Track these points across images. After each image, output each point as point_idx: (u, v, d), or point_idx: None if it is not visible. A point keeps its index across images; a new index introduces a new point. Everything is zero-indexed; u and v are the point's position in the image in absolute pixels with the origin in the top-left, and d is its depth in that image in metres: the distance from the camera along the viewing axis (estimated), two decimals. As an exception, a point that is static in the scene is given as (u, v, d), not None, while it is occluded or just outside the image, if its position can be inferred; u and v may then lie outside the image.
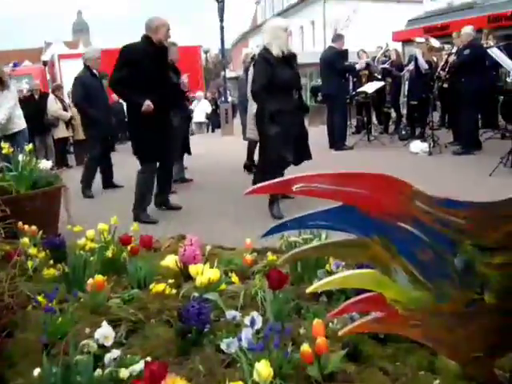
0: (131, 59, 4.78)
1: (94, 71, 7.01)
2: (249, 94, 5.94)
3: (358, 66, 10.09)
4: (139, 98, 4.76)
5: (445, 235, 1.51)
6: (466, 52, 7.86)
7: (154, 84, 4.82)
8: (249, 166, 7.33)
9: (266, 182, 1.29)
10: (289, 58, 4.98)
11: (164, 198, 5.47)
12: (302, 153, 5.09)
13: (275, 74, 4.81)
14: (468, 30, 8.11)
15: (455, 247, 1.54)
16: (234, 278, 2.51)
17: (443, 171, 6.86)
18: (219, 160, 8.83)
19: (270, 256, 2.75)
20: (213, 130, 19.66)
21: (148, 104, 4.70)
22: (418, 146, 8.58)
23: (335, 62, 9.12)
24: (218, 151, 10.04)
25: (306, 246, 1.47)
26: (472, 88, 7.64)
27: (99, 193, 6.90)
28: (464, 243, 1.54)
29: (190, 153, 7.26)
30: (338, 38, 9.63)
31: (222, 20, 16.67)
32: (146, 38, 4.88)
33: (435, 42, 10.17)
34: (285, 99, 4.86)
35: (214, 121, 19.81)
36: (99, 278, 2.29)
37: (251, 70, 6.03)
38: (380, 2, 27.98)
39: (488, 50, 7.34)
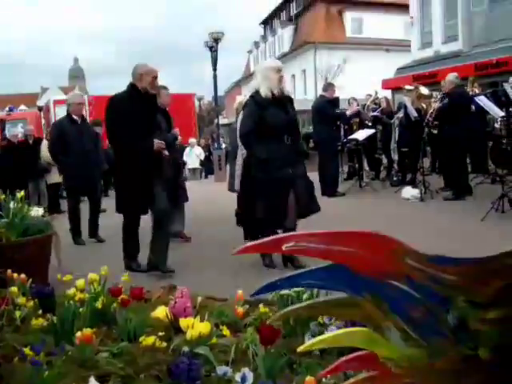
0: (119, 111, 4.64)
1: (75, 117, 6.73)
2: (238, 141, 5.67)
3: (348, 112, 10.30)
4: (138, 143, 4.60)
5: (437, 292, 1.50)
6: (445, 101, 8.05)
7: (142, 134, 4.61)
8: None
9: (256, 242, 1.28)
10: (282, 101, 4.69)
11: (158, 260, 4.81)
12: (308, 204, 4.71)
13: (264, 116, 4.54)
14: (451, 77, 8.30)
15: (447, 303, 1.53)
16: (226, 330, 2.47)
17: (435, 217, 6.90)
18: (212, 207, 8.81)
19: (262, 308, 2.72)
20: (206, 177, 19.82)
21: (158, 143, 4.64)
22: (409, 192, 8.65)
23: (326, 110, 9.34)
24: (211, 199, 10.04)
25: (297, 305, 1.44)
26: (454, 135, 7.79)
27: (91, 239, 6.84)
28: (456, 299, 1.54)
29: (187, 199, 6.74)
30: (328, 86, 9.88)
31: (215, 69, 17.08)
32: (132, 87, 4.71)
33: (424, 90, 10.40)
34: (275, 145, 4.55)
35: (208, 167, 20.00)
36: (88, 331, 2.25)
37: (240, 115, 5.68)
38: (369, 50, 28.78)
39: (475, 98, 7.52)
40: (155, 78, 4.72)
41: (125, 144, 4.60)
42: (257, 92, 4.69)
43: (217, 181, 15.49)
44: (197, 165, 18.47)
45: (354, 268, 1.41)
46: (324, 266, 1.42)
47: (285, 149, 4.62)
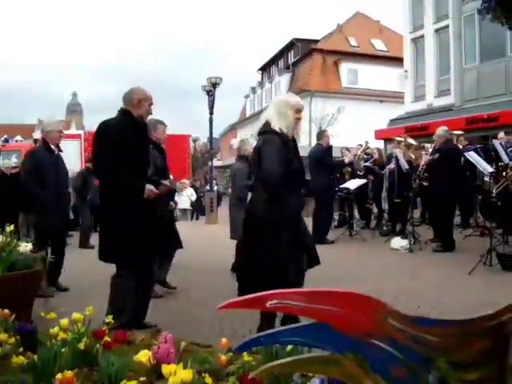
0: (111, 139, 3.93)
1: (52, 146, 5.97)
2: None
3: (346, 160, 10.45)
4: (135, 182, 3.98)
5: (418, 352, 1.53)
6: (436, 156, 8.18)
7: (135, 167, 4.03)
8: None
9: (240, 298, 1.31)
10: (295, 145, 4.01)
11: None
12: (314, 258, 4.17)
13: (290, 159, 3.81)
14: (441, 131, 8.45)
15: (429, 364, 1.56)
16: (208, 378, 2.44)
17: (423, 269, 6.92)
18: (202, 252, 8.65)
19: (246, 357, 2.70)
20: (197, 218, 19.82)
21: (150, 189, 3.96)
22: (398, 242, 8.69)
23: (324, 158, 9.47)
24: (201, 242, 9.96)
25: (280, 361, 1.47)
26: (443, 189, 7.89)
27: (79, 277, 6.76)
28: (437, 360, 1.56)
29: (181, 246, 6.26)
30: (322, 134, 10.07)
31: (211, 112, 17.30)
32: (125, 113, 4.07)
33: (412, 141, 10.62)
34: (297, 194, 3.89)
35: (199, 208, 20.05)
36: (68, 373, 2.22)
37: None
38: (364, 101, 29.34)
39: (465, 154, 7.65)
40: (152, 104, 4.20)
41: (116, 180, 3.94)
42: (269, 127, 3.87)
43: (208, 223, 15.49)
44: (187, 205, 18.47)
45: (337, 327, 1.43)
46: (307, 323, 1.45)
47: (302, 200, 4.13)
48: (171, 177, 6.20)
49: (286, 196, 3.75)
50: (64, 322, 3.04)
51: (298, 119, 3.91)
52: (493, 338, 1.61)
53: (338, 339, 1.41)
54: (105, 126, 4.04)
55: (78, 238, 10.35)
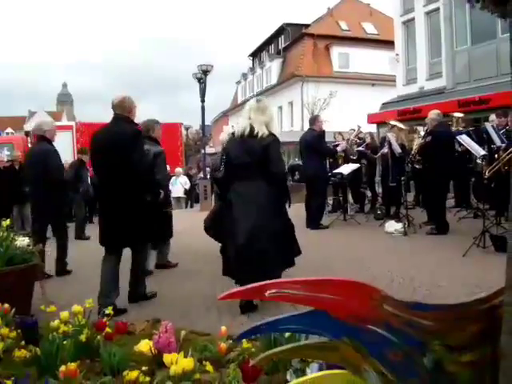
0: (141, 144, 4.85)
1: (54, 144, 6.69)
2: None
3: (339, 149, 10.45)
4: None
5: (413, 336, 1.57)
6: (429, 139, 8.20)
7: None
8: None
9: (240, 288, 1.35)
10: None
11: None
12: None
13: None
14: (433, 115, 8.45)
15: (424, 347, 1.60)
16: (209, 366, 2.50)
17: (417, 252, 6.97)
18: (197, 240, 8.59)
19: (245, 344, 2.75)
20: (191, 206, 19.82)
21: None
22: (392, 225, 8.73)
23: (317, 144, 9.44)
24: (196, 229, 9.93)
25: (279, 348, 1.51)
26: (436, 172, 7.93)
27: (76, 268, 6.78)
28: (432, 343, 1.60)
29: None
30: (315, 119, 10.02)
31: (203, 100, 17.21)
32: (129, 121, 4.76)
33: (402, 126, 10.65)
34: None
35: (193, 196, 20.05)
36: (72, 365, 2.27)
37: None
38: (355, 85, 29.31)
39: (457, 137, 7.68)
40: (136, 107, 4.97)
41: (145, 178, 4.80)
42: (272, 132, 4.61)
43: (202, 210, 15.49)
44: (181, 194, 18.47)
45: (334, 314, 1.48)
46: (305, 311, 1.49)
47: None
48: (168, 167, 6.63)
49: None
50: (64, 314, 3.09)
51: None
52: (485, 321, 1.66)
53: (335, 326, 1.45)
54: (135, 133, 4.73)
55: (73, 229, 10.35)
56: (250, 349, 2.76)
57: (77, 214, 10.69)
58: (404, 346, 1.54)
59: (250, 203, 4.45)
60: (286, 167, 22.67)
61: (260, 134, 4.46)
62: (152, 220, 4.90)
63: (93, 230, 10.66)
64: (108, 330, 2.83)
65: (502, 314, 1.62)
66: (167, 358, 2.34)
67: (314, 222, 9.54)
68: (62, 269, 6.50)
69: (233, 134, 4.79)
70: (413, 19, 19.69)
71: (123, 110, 4.71)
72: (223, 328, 2.94)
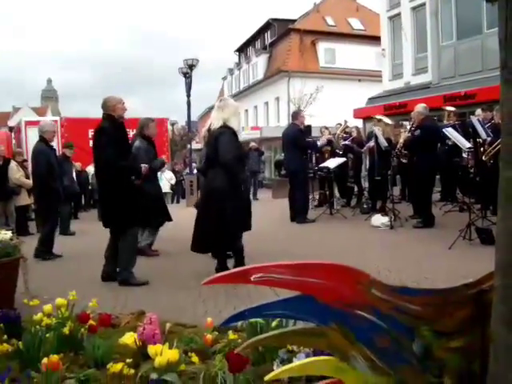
0: (116, 137, 5.24)
1: (51, 144, 7.46)
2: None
3: (319, 143, 10.46)
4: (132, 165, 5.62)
5: (402, 321, 1.55)
6: (417, 132, 8.22)
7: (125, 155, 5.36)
8: None
9: (224, 272, 1.32)
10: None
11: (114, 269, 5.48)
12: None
13: (239, 147, 5.35)
14: (420, 108, 8.47)
15: (412, 333, 1.58)
16: (194, 357, 2.46)
17: (404, 245, 6.99)
18: (183, 234, 8.47)
19: (231, 335, 2.72)
20: (177, 201, 19.74)
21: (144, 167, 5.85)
22: (379, 219, 8.75)
23: (297, 138, 9.46)
24: (182, 224, 9.85)
25: (265, 335, 1.48)
26: (423, 166, 7.95)
27: (60, 263, 6.71)
28: (421, 329, 1.58)
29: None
30: (297, 114, 10.05)
31: (189, 95, 17.09)
32: (110, 117, 5.28)
33: (387, 120, 10.66)
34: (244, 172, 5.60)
35: (179, 191, 19.97)
36: (54, 357, 2.22)
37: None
38: (342, 80, 29.35)
39: (443, 130, 7.70)
40: (124, 103, 5.41)
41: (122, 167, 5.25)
42: (226, 125, 5.24)
43: (189, 205, 15.42)
44: (167, 189, 18.37)
45: (322, 299, 1.45)
46: (291, 296, 1.46)
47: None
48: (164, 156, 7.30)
49: (240, 171, 5.40)
50: (47, 307, 3.03)
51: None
52: (474, 306, 1.64)
53: (322, 311, 1.42)
54: (105, 127, 5.29)
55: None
56: (237, 340, 2.73)
57: (61, 210, 10.54)
58: (392, 331, 1.52)
59: (207, 188, 5.50)
60: (273, 162, 22.71)
61: (212, 128, 5.22)
62: (135, 206, 5.31)
63: (78, 225, 10.58)
64: (91, 322, 2.78)
65: (491, 299, 1.61)
66: (152, 349, 2.30)
67: (299, 215, 9.53)
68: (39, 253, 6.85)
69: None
70: (399, 14, 19.73)
71: (106, 109, 5.28)
72: (209, 319, 2.91)
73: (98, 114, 5.59)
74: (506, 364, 1.48)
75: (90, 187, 14.47)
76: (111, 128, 5.26)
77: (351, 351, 1.48)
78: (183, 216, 11.59)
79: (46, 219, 7.23)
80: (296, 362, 1.53)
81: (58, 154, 13.33)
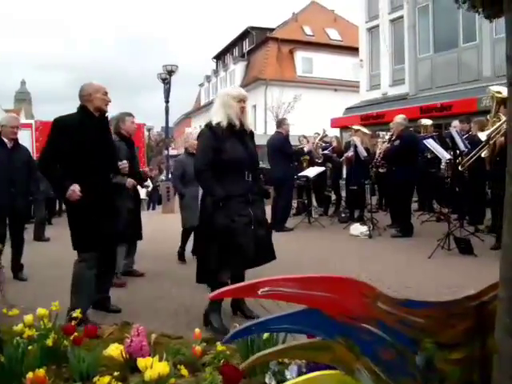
0: (65, 132, 4.04)
1: (5, 140, 6.14)
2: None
3: (306, 149, 10.51)
4: (64, 180, 4.03)
5: (406, 334, 1.54)
6: (397, 143, 8.31)
7: (94, 160, 4.10)
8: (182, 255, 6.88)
9: (232, 286, 1.28)
10: (241, 133, 4.18)
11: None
12: (266, 254, 4.20)
13: (221, 149, 4.00)
14: (399, 119, 8.57)
15: (416, 345, 1.57)
16: (184, 370, 2.40)
17: (384, 254, 7.02)
18: (160, 242, 8.34)
19: (219, 346, 2.67)
20: (153, 208, 19.55)
21: (73, 190, 3.92)
22: (357, 228, 8.78)
23: (284, 147, 9.45)
24: (159, 231, 9.75)
25: (270, 350, 1.44)
26: (403, 176, 8.04)
27: (36, 270, 6.53)
28: (424, 341, 1.58)
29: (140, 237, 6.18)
30: (282, 122, 10.02)
31: (167, 101, 16.98)
32: (82, 108, 4.19)
33: (365, 130, 10.77)
34: (235, 183, 4.02)
35: (155, 198, 19.80)
36: (40, 372, 2.13)
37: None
38: (319, 89, 29.57)
39: (424, 141, 7.79)
40: (106, 93, 4.26)
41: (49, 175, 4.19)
42: (210, 121, 4.16)
43: (164, 212, 15.29)
44: (143, 195, 18.18)
45: (328, 312, 1.42)
46: (298, 310, 1.43)
47: (246, 186, 4.09)
48: (146, 169, 6.24)
49: (212, 186, 4.01)
50: (28, 318, 2.93)
51: (243, 108, 4.18)
52: (475, 318, 1.63)
53: (328, 324, 1.40)
54: (57, 120, 4.16)
55: (32, 230, 10.02)
56: (225, 351, 2.68)
57: (36, 215, 10.34)
58: (396, 344, 1.50)
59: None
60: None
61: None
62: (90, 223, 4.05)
63: (52, 231, 10.36)
64: (76, 334, 2.69)
65: (492, 311, 1.61)
66: (141, 362, 2.24)
67: (278, 223, 9.52)
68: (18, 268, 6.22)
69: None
70: (377, 26, 20.01)
71: (81, 100, 4.21)
72: (197, 330, 2.85)
73: None
74: (510, 374, 1.48)
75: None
76: (80, 121, 4.12)
77: (356, 364, 1.46)
78: (160, 224, 11.51)
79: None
80: (302, 377, 1.49)
81: (33, 157, 13.23)
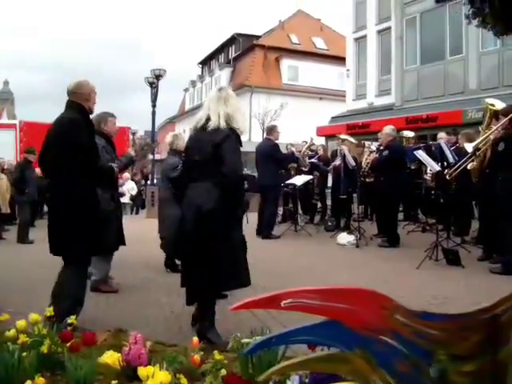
0: (83, 132, 3.94)
1: None
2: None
3: (296, 154, 10.53)
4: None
5: (421, 346, 1.54)
6: (385, 153, 8.37)
7: (92, 161, 4.03)
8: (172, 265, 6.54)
9: (254, 297, 1.26)
10: None
11: None
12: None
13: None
14: (388, 130, 8.64)
15: (430, 357, 1.58)
16: (183, 379, 2.36)
17: (372, 264, 7.04)
18: (144, 248, 8.00)
19: (217, 355, 2.64)
20: (137, 212, 19.44)
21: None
22: (345, 237, 8.81)
23: (274, 153, 9.45)
24: (143, 237, 9.60)
25: (289, 361, 1.43)
26: (390, 186, 8.10)
27: (21, 273, 6.40)
28: (438, 353, 1.58)
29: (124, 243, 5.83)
30: (272, 129, 10.01)
31: (154, 105, 16.91)
32: (81, 108, 4.04)
33: (352, 139, 10.85)
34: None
35: (138, 202, 19.69)
36: (40, 380, 2.08)
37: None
38: (304, 98, 29.71)
39: (414, 152, 7.85)
40: (96, 94, 4.21)
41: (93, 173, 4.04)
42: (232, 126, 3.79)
43: (148, 217, 15.20)
44: (127, 200, 18.05)
45: (348, 324, 1.41)
46: (318, 322, 1.42)
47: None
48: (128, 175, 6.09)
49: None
50: (21, 323, 2.86)
51: None
52: (487, 330, 1.64)
53: (348, 336, 1.39)
54: (68, 122, 3.96)
55: (15, 232, 9.88)
56: (223, 360, 2.64)
57: (20, 217, 10.19)
58: (412, 356, 1.50)
59: (189, 209, 3.77)
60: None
61: (212, 127, 3.69)
62: (89, 231, 3.91)
63: (35, 233, 10.20)
64: (74, 340, 2.63)
65: (504, 324, 1.61)
66: (142, 371, 2.19)
67: (264, 230, 9.52)
68: None
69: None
70: (364, 36, 20.20)
71: (76, 97, 4.04)
72: (195, 339, 2.81)
73: (54, 117, 4.13)
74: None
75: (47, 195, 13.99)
76: (85, 122, 4.03)
77: (372, 376, 1.45)
78: (144, 228, 11.38)
79: None
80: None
81: (17, 159, 13.05)
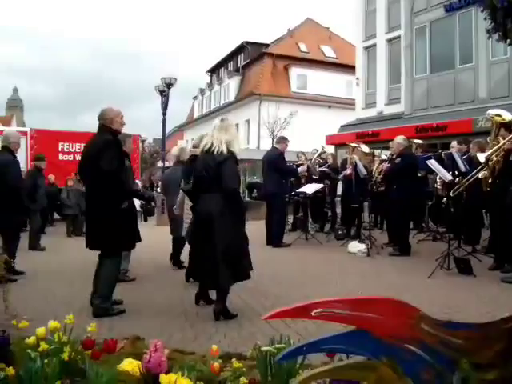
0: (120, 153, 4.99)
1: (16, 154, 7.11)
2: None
3: (300, 170, 10.54)
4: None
5: (445, 355, 1.57)
6: (398, 161, 8.38)
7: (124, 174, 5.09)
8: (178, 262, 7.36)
9: (286, 308, 1.30)
10: None
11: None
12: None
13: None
14: (400, 139, 8.66)
15: (453, 366, 1.60)
16: (203, 387, 2.38)
17: (384, 273, 7.02)
18: (157, 257, 8.31)
19: (236, 363, 2.66)
20: (145, 220, 19.47)
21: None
22: (356, 246, 8.80)
23: (278, 163, 9.52)
24: (154, 244, 9.73)
25: (320, 369, 1.46)
26: (403, 195, 8.11)
27: (33, 280, 6.47)
28: (461, 361, 1.61)
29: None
30: (281, 140, 10.07)
31: (164, 113, 17.01)
32: (110, 130, 4.97)
33: (365, 148, 10.83)
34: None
35: (148, 209, 19.68)
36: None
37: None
38: (312, 106, 29.80)
39: (427, 162, 7.85)
40: (122, 117, 5.11)
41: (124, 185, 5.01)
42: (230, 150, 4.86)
43: (159, 224, 15.26)
44: (138, 207, 18.10)
45: (376, 333, 1.44)
46: (347, 331, 1.45)
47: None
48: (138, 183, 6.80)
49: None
50: (41, 330, 2.88)
51: None
52: (509, 340, 1.66)
53: (375, 345, 1.42)
54: (113, 140, 4.95)
55: (26, 239, 9.94)
56: (241, 368, 2.66)
57: (32, 224, 10.26)
58: (436, 364, 1.53)
59: (203, 213, 4.84)
60: (244, 185, 22.71)
61: (216, 151, 4.79)
62: (122, 229, 4.92)
63: (46, 240, 10.28)
64: (96, 348, 2.66)
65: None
66: (164, 379, 2.22)
67: (275, 239, 9.54)
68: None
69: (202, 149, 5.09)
70: (374, 45, 20.25)
71: (104, 121, 4.97)
72: (214, 347, 2.84)
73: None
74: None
75: (58, 202, 14.02)
76: (114, 142, 4.93)
77: (398, 385, 1.47)
78: (156, 235, 11.43)
79: (12, 235, 6.94)
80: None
81: (28, 166, 13.16)
